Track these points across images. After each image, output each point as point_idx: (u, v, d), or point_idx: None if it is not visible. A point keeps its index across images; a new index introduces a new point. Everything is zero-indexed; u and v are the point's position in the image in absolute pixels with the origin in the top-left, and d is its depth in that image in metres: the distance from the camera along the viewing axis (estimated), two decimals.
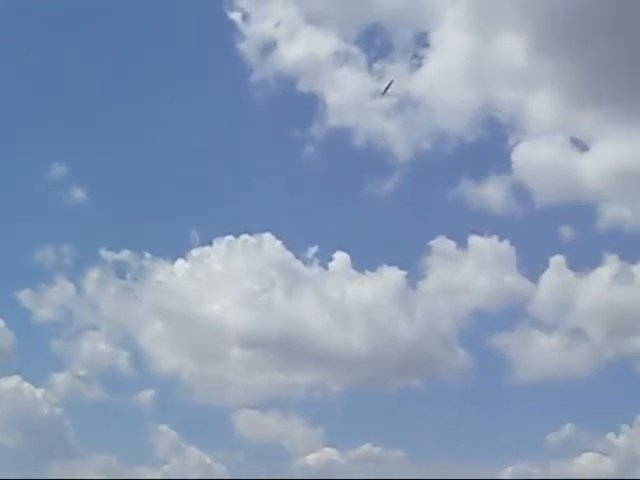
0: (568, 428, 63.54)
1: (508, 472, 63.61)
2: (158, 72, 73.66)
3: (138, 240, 67.82)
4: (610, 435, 63.87)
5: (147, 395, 66.09)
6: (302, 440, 66.61)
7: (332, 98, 70.94)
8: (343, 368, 66.18)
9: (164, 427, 65.50)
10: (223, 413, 66.86)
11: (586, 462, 63.71)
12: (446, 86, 70.36)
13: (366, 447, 64.76)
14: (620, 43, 63.67)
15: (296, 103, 73.09)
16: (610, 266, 67.03)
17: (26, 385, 65.49)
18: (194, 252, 68.70)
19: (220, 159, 73.28)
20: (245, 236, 68.26)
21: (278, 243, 67.53)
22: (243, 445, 65.69)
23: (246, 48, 71.63)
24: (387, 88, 59.85)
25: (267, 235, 67.79)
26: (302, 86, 71.15)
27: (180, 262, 68.52)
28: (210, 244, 68.46)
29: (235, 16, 71.78)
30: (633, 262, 67.03)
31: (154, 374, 66.48)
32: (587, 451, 63.97)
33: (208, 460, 65.05)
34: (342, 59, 71.60)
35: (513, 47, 67.25)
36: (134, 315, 69.03)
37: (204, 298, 68.23)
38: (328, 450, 65.38)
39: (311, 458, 65.26)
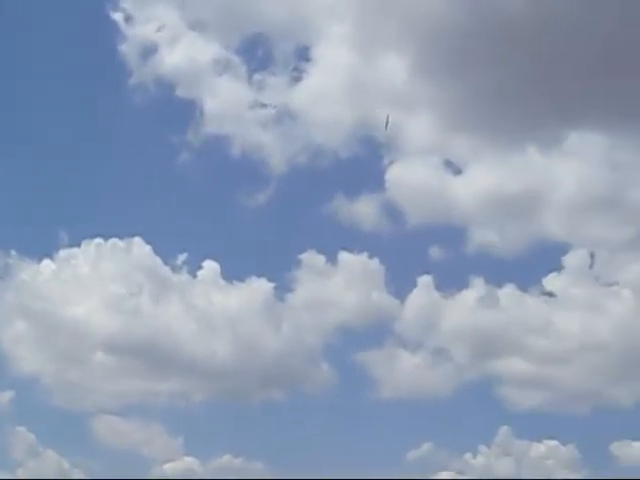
0: (427, 447, 64.32)
1: None
2: (34, 69, 72.67)
3: (4, 238, 66.56)
4: (468, 455, 65.07)
5: (5, 396, 64.69)
6: (162, 448, 66.11)
7: (210, 106, 71.02)
8: (207, 378, 66.18)
9: (21, 429, 64.29)
10: (83, 418, 65.69)
11: None
12: (325, 101, 71.06)
13: (227, 458, 64.59)
14: (498, 72, 65.08)
15: (174, 109, 72.92)
16: (476, 289, 68.18)
17: None
18: (62, 253, 67.84)
19: (94, 160, 71.81)
20: (114, 239, 67.45)
21: (147, 248, 66.97)
22: (102, 451, 64.84)
23: (127, 50, 71.01)
24: (387, 123, 60.05)
25: (137, 239, 67.18)
26: (181, 92, 70.97)
27: (47, 262, 67.58)
28: (78, 246, 67.65)
29: (117, 16, 71.22)
30: (499, 286, 68.48)
31: (14, 375, 65.09)
32: (444, 470, 65.01)
33: (65, 465, 63.91)
34: (222, 67, 71.69)
35: (394, 68, 68.30)
36: None
37: (69, 300, 67.18)
38: (188, 459, 65.10)
39: (170, 467, 64.79)
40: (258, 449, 64.40)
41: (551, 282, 67.55)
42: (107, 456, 64.47)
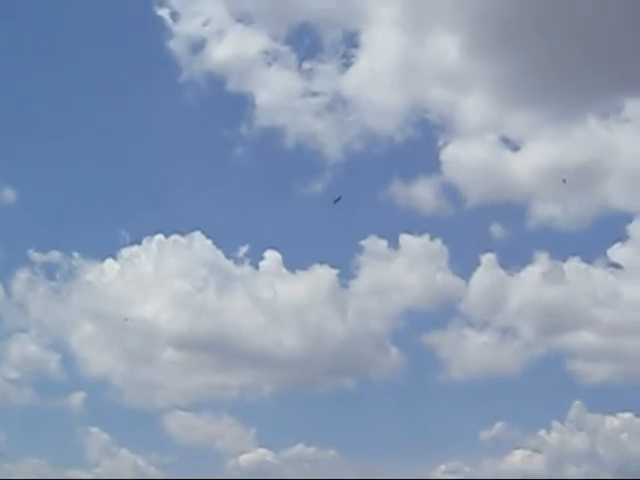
0: (500, 426, 64.04)
1: (441, 470, 64.28)
2: (84, 70, 72.98)
3: (66, 240, 67.34)
4: (542, 432, 64.73)
5: (78, 398, 65.27)
6: (235, 441, 66.49)
7: (262, 98, 70.85)
8: (276, 369, 66.19)
9: (95, 430, 64.89)
10: (155, 415, 66.31)
11: (517, 459, 64.54)
12: (377, 86, 70.80)
13: (299, 447, 64.68)
14: (551, 45, 64.15)
15: (225, 103, 73.01)
16: (540, 264, 67.69)
17: None
18: (124, 252, 68.14)
19: (150, 159, 72.58)
20: (175, 236, 67.61)
21: (208, 242, 67.09)
22: (176, 447, 65.34)
23: (175, 46, 71.07)
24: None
25: (197, 234, 67.24)
26: (231, 86, 70.99)
27: (109, 262, 67.78)
28: (139, 243, 67.92)
29: (164, 13, 71.28)
30: (563, 260, 67.97)
31: (85, 376, 65.72)
32: (518, 448, 64.76)
33: (140, 462, 64.62)
34: (271, 58, 71.40)
35: (446, 47, 67.86)
36: (64, 317, 68.43)
37: (135, 299, 67.58)
38: (261, 451, 65.36)
39: (244, 459, 65.23)
40: (330, 437, 64.83)
41: (616, 253, 67.09)
42: (181, 452, 65.13)
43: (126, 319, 63.41)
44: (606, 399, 64.79)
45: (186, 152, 71.88)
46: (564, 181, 62.45)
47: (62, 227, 68.70)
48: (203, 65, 70.80)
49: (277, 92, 71.82)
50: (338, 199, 60.90)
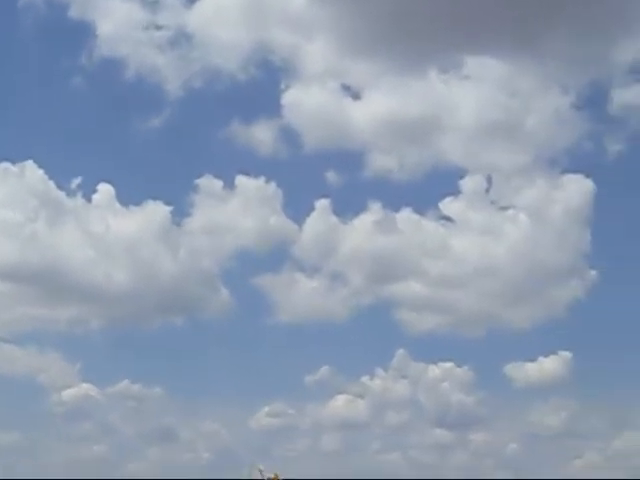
0: (325, 370, 65.46)
1: (264, 412, 65.46)
2: None
3: None
4: (365, 378, 66.19)
5: None
6: (59, 375, 66.24)
7: (104, 28, 69.89)
8: (105, 304, 65.73)
9: None
10: None
11: (340, 404, 66.15)
12: (222, 24, 70.56)
13: (125, 384, 64.87)
14: None
15: (66, 31, 71.59)
16: (373, 213, 68.93)
17: None
18: None
19: None
20: (6, 164, 66.15)
21: (40, 172, 65.71)
22: None
23: None
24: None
25: (29, 163, 65.94)
26: (73, 13, 69.52)
27: None
28: None
29: None
30: (396, 210, 69.26)
31: None
32: (342, 393, 66.03)
33: None
34: None
35: None
36: None
37: None
38: (85, 386, 65.16)
39: (68, 393, 64.99)
40: (157, 375, 65.25)
41: (448, 206, 68.87)
42: (3, 384, 65.31)
43: None
44: (429, 348, 67.01)
45: (22, 79, 70.33)
46: None
47: None
48: None
49: (120, 23, 70.99)
50: None
